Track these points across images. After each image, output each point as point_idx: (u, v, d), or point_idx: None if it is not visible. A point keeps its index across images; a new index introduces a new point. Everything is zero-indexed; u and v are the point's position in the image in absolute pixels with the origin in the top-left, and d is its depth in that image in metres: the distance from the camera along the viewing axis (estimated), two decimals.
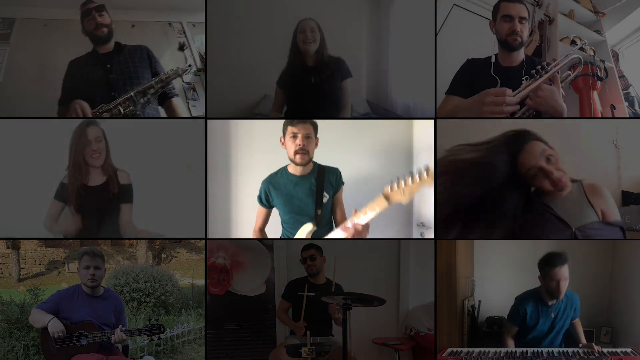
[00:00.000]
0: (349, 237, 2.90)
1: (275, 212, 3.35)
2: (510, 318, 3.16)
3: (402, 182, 2.64)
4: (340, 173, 3.23)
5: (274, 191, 3.23)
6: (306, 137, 3.02)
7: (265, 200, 3.29)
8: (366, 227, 2.85)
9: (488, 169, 2.47)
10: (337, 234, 3.01)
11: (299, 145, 3.03)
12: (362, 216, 2.81)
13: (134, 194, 3.35)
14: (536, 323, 3.07)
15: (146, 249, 4.32)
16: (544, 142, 2.51)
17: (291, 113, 3.41)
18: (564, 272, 2.97)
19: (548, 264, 2.98)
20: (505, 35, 2.97)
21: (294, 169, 3.20)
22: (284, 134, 3.11)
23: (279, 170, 3.28)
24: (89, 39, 3.37)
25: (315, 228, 3.15)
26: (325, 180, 3.16)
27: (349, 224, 2.89)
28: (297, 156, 3.06)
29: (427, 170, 2.56)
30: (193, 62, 3.68)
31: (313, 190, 3.16)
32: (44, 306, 2.80)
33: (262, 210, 3.34)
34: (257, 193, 3.34)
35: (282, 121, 3.18)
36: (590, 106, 3.52)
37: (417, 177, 2.59)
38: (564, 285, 3.00)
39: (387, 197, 2.70)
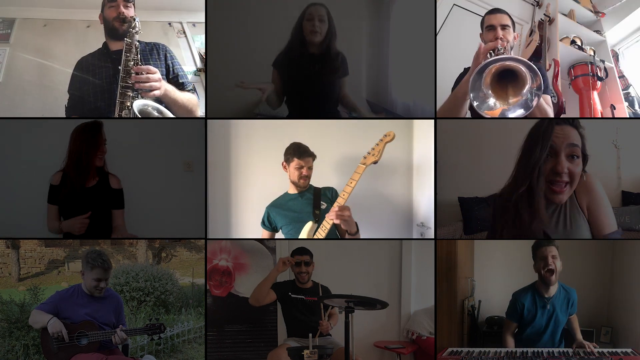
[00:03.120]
0: (337, 222, 3.10)
1: None
2: (509, 314, 3.17)
3: (371, 148, 3.16)
4: (335, 190, 3.40)
5: (274, 210, 3.38)
6: (309, 168, 3.34)
7: (268, 223, 3.41)
8: (347, 208, 3.10)
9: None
10: (326, 223, 3.15)
11: (305, 175, 3.33)
12: (346, 190, 3.12)
13: (133, 195, 3.33)
14: (534, 317, 3.08)
15: (146, 248, 4.32)
16: (578, 130, 2.41)
17: (290, 104, 3.45)
18: (550, 249, 2.97)
19: (536, 246, 3.04)
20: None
21: (292, 190, 3.39)
22: (288, 162, 3.33)
23: (280, 196, 3.43)
24: (104, 28, 3.26)
25: (316, 225, 3.21)
26: (321, 194, 3.37)
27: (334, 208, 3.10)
28: (301, 180, 3.34)
29: (388, 134, 3.12)
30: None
31: (310, 201, 3.33)
32: (43, 307, 2.78)
33: (266, 234, 3.47)
34: (257, 192, 3.43)
35: (283, 121, 3.20)
36: (590, 106, 3.53)
37: (380, 140, 3.13)
38: (553, 264, 2.98)
39: (364, 164, 3.16)
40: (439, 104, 3.28)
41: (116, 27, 3.19)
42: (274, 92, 3.40)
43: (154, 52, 3.31)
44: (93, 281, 2.81)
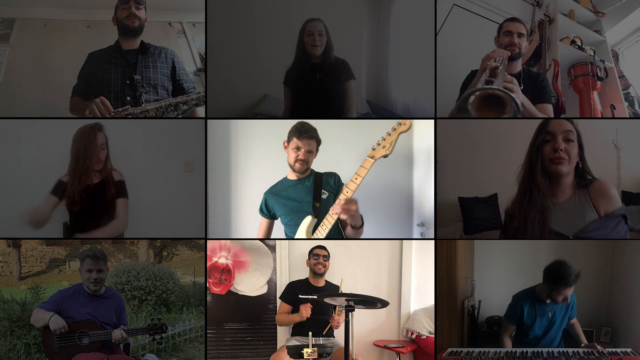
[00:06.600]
0: (342, 215, 2.95)
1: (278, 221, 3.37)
2: (508, 317, 3.16)
3: (382, 138, 2.93)
4: (339, 177, 3.26)
5: (272, 197, 3.26)
6: (308, 152, 3.15)
7: (266, 209, 3.31)
8: (354, 202, 2.94)
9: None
10: (330, 217, 3.02)
11: (300, 158, 3.15)
12: (350, 187, 2.94)
13: (134, 193, 3.34)
14: (533, 321, 3.07)
15: (147, 246, 4.33)
16: (573, 124, 2.66)
17: (297, 111, 3.40)
18: (571, 289, 2.99)
19: (560, 280, 2.95)
20: (505, 47, 3.20)
21: (292, 175, 3.25)
22: (289, 141, 3.16)
23: (279, 181, 3.31)
24: (117, 29, 3.34)
25: (315, 219, 3.15)
26: (323, 181, 3.21)
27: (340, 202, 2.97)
28: (297, 164, 3.16)
29: (403, 122, 2.88)
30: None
31: (311, 189, 3.20)
32: (45, 306, 2.79)
33: (265, 221, 3.36)
34: (257, 192, 3.34)
35: (283, 121, 3.18)
36: (590, 106, 3.53)
37: (393, 129, 2.90)
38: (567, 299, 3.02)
39: (372, 157, 2.95)
40: (439, 104, 3.29)
41: (127, 25, 3.30)
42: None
43: (162, 56, 3.40)
44: (86, 273, 2.82)
